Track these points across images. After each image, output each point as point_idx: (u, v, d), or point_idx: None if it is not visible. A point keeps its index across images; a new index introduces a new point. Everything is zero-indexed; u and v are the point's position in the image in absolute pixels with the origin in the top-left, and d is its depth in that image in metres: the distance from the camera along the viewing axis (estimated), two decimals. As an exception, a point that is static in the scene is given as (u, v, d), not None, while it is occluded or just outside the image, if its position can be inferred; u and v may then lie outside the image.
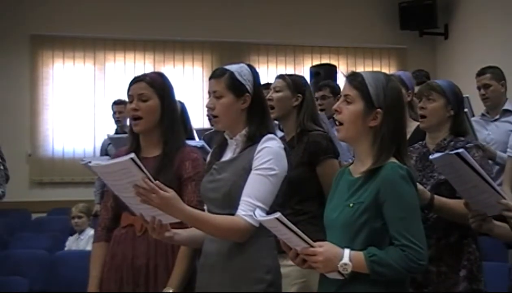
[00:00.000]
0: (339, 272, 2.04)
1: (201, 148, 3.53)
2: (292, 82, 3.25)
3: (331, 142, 3.13)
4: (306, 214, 3.02)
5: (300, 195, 3.03)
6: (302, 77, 3.40)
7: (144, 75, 2.72)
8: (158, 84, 2.68)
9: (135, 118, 2.66)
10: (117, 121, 6.52)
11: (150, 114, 2.65)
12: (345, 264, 2.02)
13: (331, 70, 7.33)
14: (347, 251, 2.03)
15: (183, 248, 2.58)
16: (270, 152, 2.33)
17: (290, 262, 2.67)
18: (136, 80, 2.69)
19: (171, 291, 2.53)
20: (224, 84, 2.41)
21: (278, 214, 1.97)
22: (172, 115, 2.71)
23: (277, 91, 3.24)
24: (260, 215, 2.13)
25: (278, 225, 1.99)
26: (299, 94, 3.22)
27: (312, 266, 2.07)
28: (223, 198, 2.35)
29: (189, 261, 2.59)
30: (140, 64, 8.25)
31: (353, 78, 2.19)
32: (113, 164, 2.08)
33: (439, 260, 2.70)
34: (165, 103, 2.68)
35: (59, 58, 8.07)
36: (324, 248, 2.04)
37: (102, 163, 2.14)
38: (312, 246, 2.04)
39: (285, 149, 2.40)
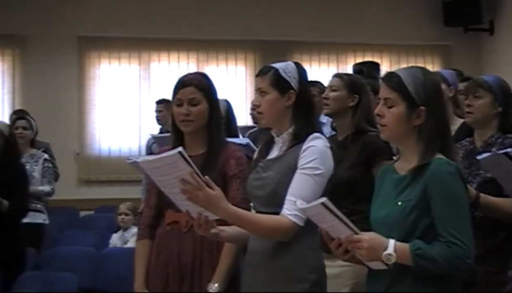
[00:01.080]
0: (383, 262, 2.01)
1: (246, 146, 3.55)
2: (350, 82, 3.21)
3: (387, 143, 3.10)
4: (359, 213, 2.97)
5: (355, 195, 2.97)
6: (359, 78, 3.37)
7: (191, 79, 2.74)
8: (205, 87, 2.71)
9: (184, 121, 2.68)
10: (158, 120, 6.60)
11: (200, 117, 2.67)
12: (390, 254, 1.99)
13: (374, 68, 7.28)
14: (392, 242, 2.01)
15: (228, 244, 2.59)
16: (316, 151, 2.33)
17: (343, 262, 2.66)
18: (184, 84, 2.71)
19: (216, 286, 2.55)
20: (269, 81, 2.42)
21: (324, 199, 1.97)
22: (217, 115, 2.75)
23: (333, 90, 3.20)
24: (302, 204, 2.13)
25: (323, 211, 1.98)
26: (356, 95, 3.17)
27: (356, 254, 2.05)
28: (268, 196, 2.36)
29: (234, 257, 2.60)
30: (184, 64, 8.32)
31: (390, 79, 2.15)
32: (161, 158, 2.10)
33: (486, 259, 2.65)
34: (212, 104, 2.71)
35: (105, 59, 8.20)
36: (369, 236, 2.03)
37: (149, 158, 2.17)
38: (357, 234, 2.03)
39: (331, 148, 2.39)
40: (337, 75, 3.30)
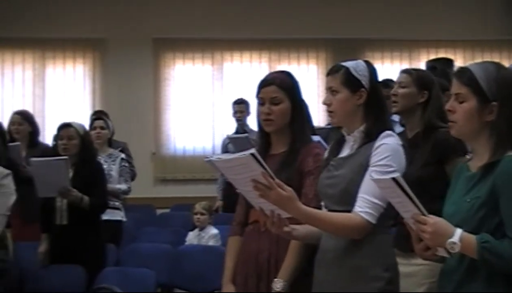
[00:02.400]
0: (446, 249, 1.97)
1: (317, 143, 3.56)
2: (419, 77, 3.15)
3: (460, 139, 3.04)
4: (433, 213, 2.95)
5: (428, 194, 2.87)
6: (428, 73, 3.31)
7: (273, 77, 2.75)
8: (288, 86, 2.72)
9: (266, 120, 2.70)
10: (237, 120, 6.68)
11: (282, 117, 2.69)
12: (454, 242, 1.94)
13: (448, 64, 7.14)
14: (459, 231, 1.97)
15: (295, 242, 2.58)
16: (388, 149, 2.32)
17: (418, 261, 2.64)
18: (266, 83, 2.73)
19: (281, 283, 2.56)
20: (340, 80, 2.42)
21: (396, 174, 1.95)
22: (301, 114, 2.75)
23: (402, 87, 3.15)
24: (376, 175, 2.10)
25: (393, 186, 1.95)
26: (425, 91, 3.11)
27: (420, 235, 2.02)
28: (340, 194, 2.37)
29: (301, 255, 2.59)
30: (256, 63, 8.39)
31: (462, 74, 2.11)
32: (234, 159, 2.14)
33: None
34: (295, 103, 2.72)
35: (180, 60, 8.37)
36: (436, 220, 1.98)
37: (224, 157, 2.22)
38: (424, 215, 1.99)
39: (403, 145, 2.38)
40: (405, 71, 3.24)
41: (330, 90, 2.45)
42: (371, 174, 2.16)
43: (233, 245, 2.83)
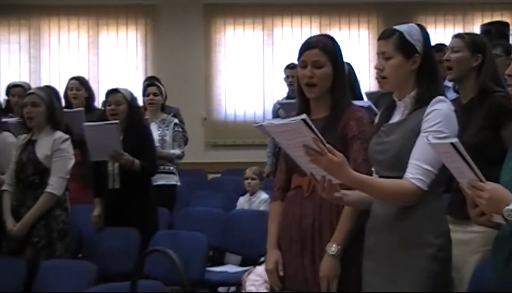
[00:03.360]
0: (502, 216, 1.94)
1: (368, 108, 3.51)
2: (471, 41, 3.07)
3: None
4: (490, 179, 2.90)
5: (484, 160, 2.79)
6: (481, 36, 3.24)
7: (317, 41, 2.72)
8: (331, 50, 2.68)
9: (309, 85, 2.68)
10: (289, 85, 6.67)
11: (324, 81, 2.66)
12: (511, 210, 1.91)
13: (503, 28, 6.97)
14: None
15: (348, 207, 2.58)
16: (440, 114, 2.30)
17: (474, 228, 2.63)
18: (309, 46, 2.69)
19: (334, 246, 2.57)
20: (393, 45, 2.39)
21: (455, 139, 1.92)
22: (342, 79, 2.72)
23: (455, 52, 3.07)
24: (434, 140, 2.08)
25: (451, 151, 1.93)
26: (478, 54, 3.03)
27: (476, 201, 1.99)
28: (391, 160, 2.36)
29: (354, 220, 2.58)
30: (307, 28, 8.32)
31: None
32: (286, 124, 2.14)
33: None
34: (337, 68, 2.68)
35: (230, 25, 8.36)
36: (493, 186, 1.95)
37: (275, 123, 2.22)
38: (482, 181, 1.96)
39: (455, 111, 2.35)
40: (457, 36, 3.16)
41: (383, 55, 2.42)
42: (428, 138, 2.13)
43: (276, 211, 2.83)
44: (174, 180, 5.39)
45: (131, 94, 4.71)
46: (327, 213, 2.64)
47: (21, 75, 8.07)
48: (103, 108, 4.93)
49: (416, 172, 2.27)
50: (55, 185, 4.02)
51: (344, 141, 2.61)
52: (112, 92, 4.60)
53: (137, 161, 4.39)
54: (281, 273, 2.73)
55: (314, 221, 2.66)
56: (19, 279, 3.84)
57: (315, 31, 8.23)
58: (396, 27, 2.43)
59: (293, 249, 2.70)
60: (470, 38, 3.11)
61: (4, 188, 4.11)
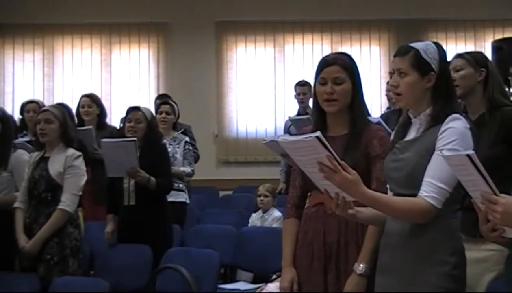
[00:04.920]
0: None
1: (377, 124, 3.53)
2: (472, 58, 3.10)
3: None
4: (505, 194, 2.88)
5: (498, 175, 2.79)
6: (480, 52, 3.25)
7: (335, 58, 2.74)
8: (350, 67, 2.71)
9: (329, 100, 2.69)
10: (300, 102, 6.68)
11: (344, 97, 2.68)
12: None
13: (515, 44, 6.96)
14: None
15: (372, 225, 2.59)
16: (455, 132, 2.29)
17: (489, 246, 2.62)
18: (328, 63, 2.71)
19: (361, 266, 2.58)
20: (409, 62, 2.38)
21: (471, 152, 1.91)
22: (361, 95, 2.74)
23: (458, 70, 3.09)
24: (448, 152, 2.07)
25: (466, 163, 1.91)
26: (482, 69, 3.06)
27: (489, 216, 1.97)
28: (406, 177, 2.35)
29: (378, 237, 2.56)
30: (318, 45, 8.35)
31: None
32: (299, 141, 2.15)
33: None
34: (355, 85, 2.71)
35: (242, 43, 8.41)
36: (507, 200, 1.92)
37: (288, 139, 2.23)
38: (496, 195, 1.94)
39: (471, 129, 2.34)
40: (457, 56, 3.17)
41: (399, 72, 2.42)
42: (442, 152, 2.13)
43: (290, 228, 2.83)
44: (183, 197, 5.41)
45: (152, 113, 4.74)
46: (353, 230, 2.66)
47: (35, 93, 8.13)
48: (121, 125, 4.95)
49: (431, 190, 2.25)
50: (67, 202, 4.03)
51: (366, 160, 2.63)
52: (133, 109, 4.64)
53: (153, 179, 4.42)
54: (296, 292, 2.72)
55: (340, 237, 2.67)
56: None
57: (326, 48, 8.26)
58: (413, 45, 2.44)
59: (315, 265, 2.71)
60: (470, 56, 3.14)
61: (16, 205, 4.12)
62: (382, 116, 4.51)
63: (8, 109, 5.78)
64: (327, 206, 2.63)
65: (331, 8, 8.22)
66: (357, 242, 2.65)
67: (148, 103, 6.58)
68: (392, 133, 2.60)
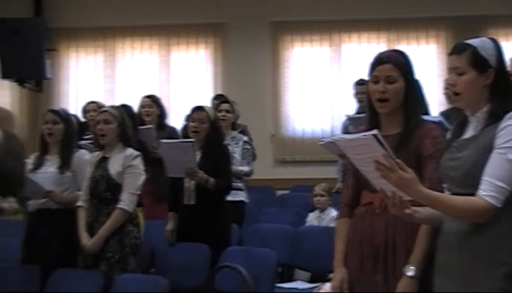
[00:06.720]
0: None
1: (438, 123, 3.49)
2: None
3: None
4: None
5: None
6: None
7: (389, 56, 2.71)
8: (403, 65, 2.68)
9: (381, 100, 2.67)
10: (359, 101, 6.65)
11: (396, 96, 2.65)
12: None
13: None
14: None
15: (424, 226, 2.56)
16: (515, 130, 2.24)
17: None
18: (381, 61, 2.68)
19: (413, 268, 2.55)
20: (466, 60, 2.34)
21: None
22: (414, 94, 2.71)
23: None
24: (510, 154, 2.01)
25: None
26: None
27: None
28: (464, 176, 2.32)
29: (430, 239, 2.54)
30: (374, 44, 8.30)
31: None
32: (356, 139, 2.16)
33: None
34: (409, 83, 2.68)
35: (298, 42, 8.43)
36: None
37: (345, 137, 2.24)
38: None
39: None
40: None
41: (455, 70, 2.38)
42: (508, 154, 2.10)
43: (342, 228, 2.82)
44: (242, 196, 5.44)
45: (215, 114, 4.79)
46: (401, 231, 2.63)
47: (97, 94, 8.32)
48: (184, 123, 5.01)
49: (489, 189, 2.22)
50: (126, 201, 4.11)
51: (418, 159, 2.60)
52: (197, 109, 4.69)
53: (212, 179, 4.45)
54: (346, 292, 2.72)
55: (387, 238, 2.65)
56: (96, 291, 3.95)
57: (383, 46, 8.17)
58: (469, 42, 2.39)
59: (365, 266, 2.70)
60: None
61: (79, 204, 4.23)
62: (442, 114, 4.44)
63: (72, 111, 5.93)
64: (376, 205, 2.66)
65: (387, 6, 8.15)
66: (406, 243, 2.62)
67: (205, 103, 6.63)
68: (449, 132, 2.57)
